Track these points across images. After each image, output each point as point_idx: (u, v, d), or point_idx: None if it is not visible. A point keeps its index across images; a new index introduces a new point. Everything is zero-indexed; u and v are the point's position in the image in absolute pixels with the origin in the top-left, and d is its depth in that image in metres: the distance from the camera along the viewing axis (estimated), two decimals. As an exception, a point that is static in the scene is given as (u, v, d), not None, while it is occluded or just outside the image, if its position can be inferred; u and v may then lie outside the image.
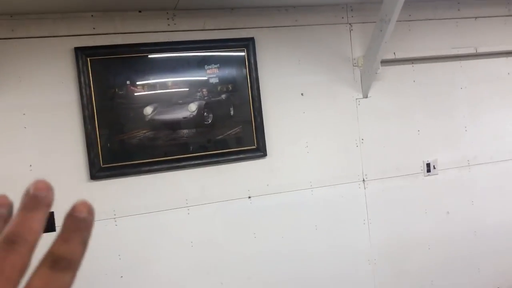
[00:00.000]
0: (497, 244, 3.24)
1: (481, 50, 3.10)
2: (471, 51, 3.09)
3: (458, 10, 3.11)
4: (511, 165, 3.25)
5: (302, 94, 2.86)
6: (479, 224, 3.20)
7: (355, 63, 2.91)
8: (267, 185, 2.79)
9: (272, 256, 2.81)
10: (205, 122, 2.66)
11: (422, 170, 3.08)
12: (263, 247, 2.80)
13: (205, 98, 2.65)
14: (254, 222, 2.78)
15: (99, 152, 2.50)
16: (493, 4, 3.15)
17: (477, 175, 3.19)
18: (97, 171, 2.50)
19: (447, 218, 3.13)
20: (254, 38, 2.74)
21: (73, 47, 2.46)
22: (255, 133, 2.73)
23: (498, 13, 3.18)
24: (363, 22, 2.90)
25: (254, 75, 2.72)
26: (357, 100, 2.95)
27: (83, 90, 2.46)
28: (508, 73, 3.23)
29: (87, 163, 2.49)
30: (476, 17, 3.14)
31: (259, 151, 2.75)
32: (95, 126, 2.49)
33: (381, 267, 3.01)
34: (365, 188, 2.98)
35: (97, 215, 2.41)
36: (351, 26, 2.92)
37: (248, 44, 2.72)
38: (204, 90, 2.65)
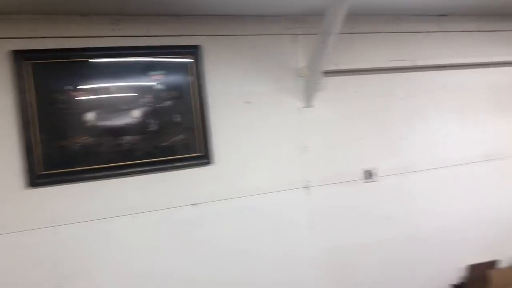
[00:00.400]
0: (433, 248, 3.41)
1: (418, 63, 3.27)
2: (409, 64, 3.24)
3: (397, 24, 3.26)
4: (445, 172, 3.43)
5: (248, 102, 2.90)
6: (416, 229, 3.36)
7: (299, 73, 2.98)
8: (213, 192, 2.80)
9: (218, 263, 2.83)
10: (150, 129, 2.64)
11: (363, 177, 3.20)
12: (208, 254, 2.80)
13: (150, 104, 2.64)
14: (199, 230, 2.78)
15: (38, 159, 2.43)
16: (426, 21, 3.34)
17: (415, 182, 3.35)
18: (35, 178, 2.42)
19: (386, 223, 3.26)
20: (201, 45, 2.76)
21: (11, 50, 2.38)
22: (201, 140, 2.74)
23: (431, 28, 3.37)
24: (307, 34, 2.98)
25: (200, 82, 2.74)
26: (301, 109, 3.02)
27: (21, 95, 2.38)
28: (443, 85, 3.42)
29: (25, 170, 2.41)
30: (413, 32, 3.31)
31: (205, 158, 2.76)
32: (34, 132, 2.41)
33: (324, 271, 3.10)
34: (308, 195, 3.05)
35: (35, 224, 2.36)
36: (296, 37, 3.00)
37: (194, 51, 2.73)
38: (149, 96, 2.64)
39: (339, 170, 3.14)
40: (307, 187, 3.04)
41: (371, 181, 3.22)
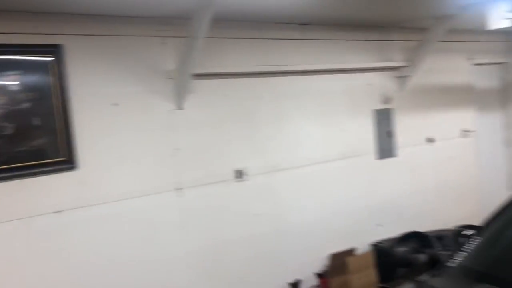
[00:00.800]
0: (299, 240, 3.67)
1: (282, 68, 3.50)
2: (274, 69, 3.46)
3: (263, 31, 3.44)
4: (308, 169, 3.72)
5: (116, 104, 2.83)
6: (283, 224, 3.59)
7: (169, 76, 2.99)
8: (78, 198, 2.69)
9: (85, 271, 2.72)
10: (5, 133, 2.44)
11: (233, 176, 3.32)
12: (74, 263, 2.68)
13: (5, 106, 2.44)
14: (64, 238, 2.65)
15: None
16: (290, 29, 3.58)
17: (281, 179, 3.58)
18: None
19: (256, 219, 3.44)
20: (64, 45, 2.63)
21: None
22: (64, 145, 2.62)
23: (295, 36, 3.62)
24: (176, 36, 3.00)
25: (62, 83, 2.61)
26: (172, 111, 3.04)
27: None
28: (305, 90, 3.70)
29: None
30: (278, 39, 3.52)
31: (69, 163, 2.63)
32: None
33: (197, 271, 3.16)
34: (180, 196, 3.08)
35: None
36: (165, 39, 3.00)
37: (55, 50, 2.59)
38: (3, 97, 2.44)
39: (210, 171, 3.22)
40: (179, 188, 3.07)
41: (241, 180, 3.37)
